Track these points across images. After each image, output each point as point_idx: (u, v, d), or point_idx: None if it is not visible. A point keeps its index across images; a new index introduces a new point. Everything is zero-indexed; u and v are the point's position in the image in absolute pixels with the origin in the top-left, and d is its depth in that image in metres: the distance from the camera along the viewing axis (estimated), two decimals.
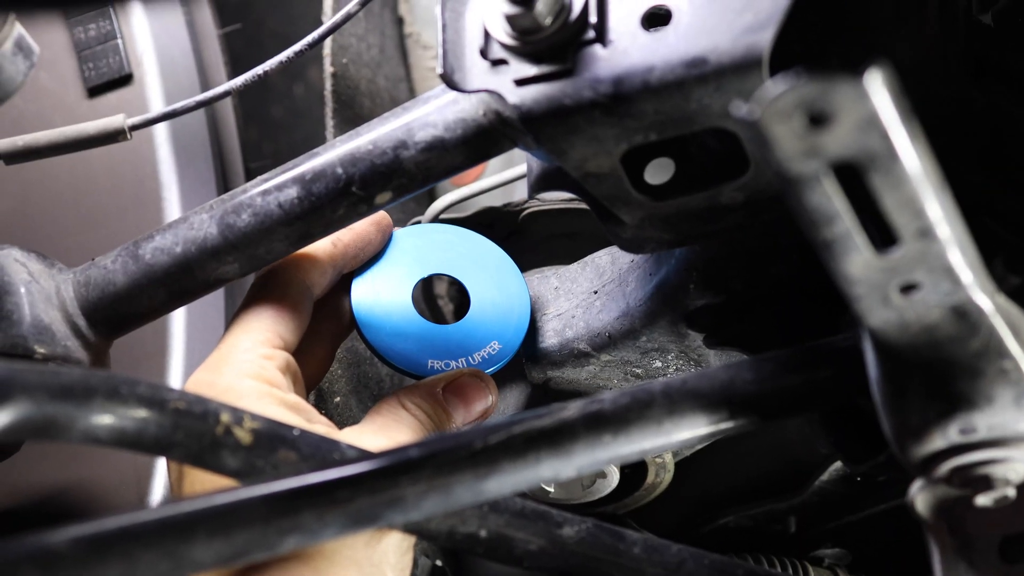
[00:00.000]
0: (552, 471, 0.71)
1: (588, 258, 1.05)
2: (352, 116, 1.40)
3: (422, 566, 1.30)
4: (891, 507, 1.22)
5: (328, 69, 1.38)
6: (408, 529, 0.77)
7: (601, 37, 0.75)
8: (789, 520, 1.25)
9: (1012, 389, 0.67)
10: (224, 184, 1.36)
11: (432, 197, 1.47)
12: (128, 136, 0.97)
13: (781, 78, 0.52)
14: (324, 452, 0.75)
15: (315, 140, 1.39)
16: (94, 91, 1.33)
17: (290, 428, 0.74)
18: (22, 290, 0.89)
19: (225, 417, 0.72)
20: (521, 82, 0.76)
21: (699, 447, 1.11)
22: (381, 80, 1.49)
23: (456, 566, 1.35)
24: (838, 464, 1.18)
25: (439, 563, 1.30)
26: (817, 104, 0.52)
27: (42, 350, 0.88)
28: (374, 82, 1.47)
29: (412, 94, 1.57)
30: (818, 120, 0.53)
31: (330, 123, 1.37)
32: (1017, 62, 0.83)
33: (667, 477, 1.13)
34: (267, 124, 1.44)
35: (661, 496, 1.16)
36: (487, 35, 0.77)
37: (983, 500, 0.69)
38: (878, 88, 0.51)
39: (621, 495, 1.14)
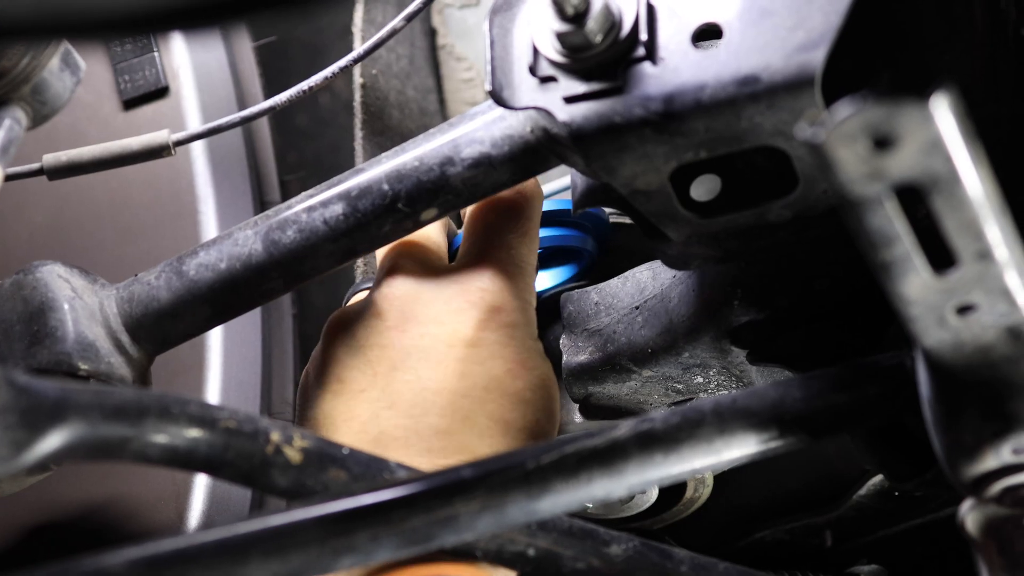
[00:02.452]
0: (604, 490, 0.70)
1: (628, 273, 1.04)
2: (381, 127, 1.40)
3: None
4: (926, 522, 1.22)
5: (358, 80, 1.38)
6: (458, 548, 0.77)
7: (651, 54, 0.74)
8: (825, 535, 1.25)
9: None
10: (260, 198, 1.36)
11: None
12: (172, 152, 0.97)
13: (847, 100, 0.51)
14: (374, 471, 0.75)
15: (340, 149, 1.39)
16: (130, 104, 1.33)
17: (339, 447, 0.74)
18: (66, 307, 0.89)
19: (275, 436, 0.72)
20: (571, 99, 0.75)
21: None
22: (410, 91, 1.48)
23: None
24: (876, 479, 1.17)
25: None
26: (883, 127, 0.52)
27: (86, 367, 0.88)
28: (403, 93, 1.46)
29: (442, 105, 1.56)
30: (883, 143, 0.52)
31: (359, 134, 1.36)
32: None
33: (705, 492, 1.13)
34: (292, 133, 1.44)
35: (699, 510, 1.15)
36: (536, 52, 0.77)
37: None
38: (944, 111, 0.51)
39: (659, 510, 1.14)
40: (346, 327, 0.94)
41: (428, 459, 0.86)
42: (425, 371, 0.90)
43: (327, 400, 0.93)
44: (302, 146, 1.44)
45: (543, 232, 1.04)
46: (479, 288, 0.93)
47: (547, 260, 1.10)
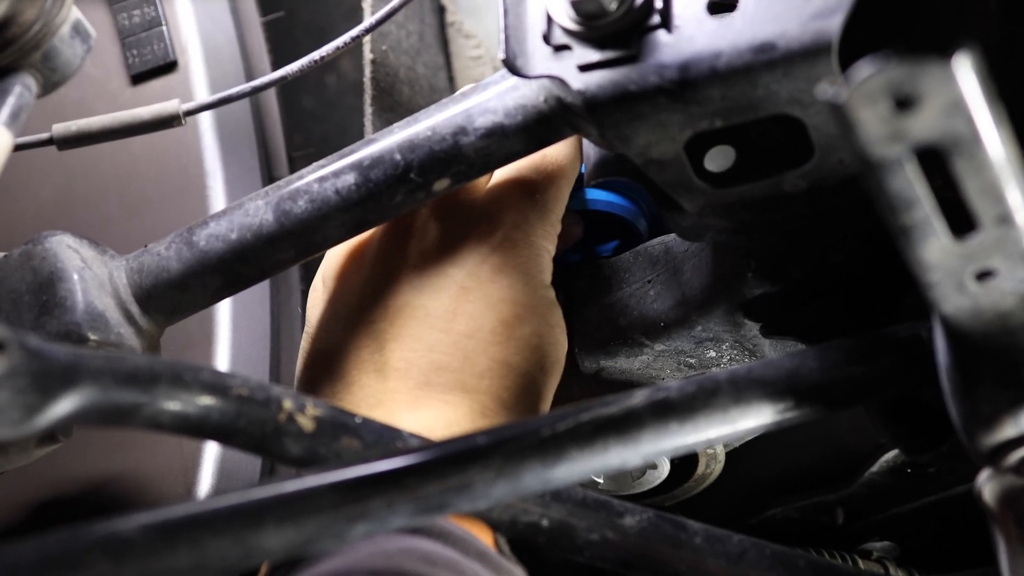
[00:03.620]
0: (619, 459, 0.70)
1: (640, 247, 1.04)
2: (391, 103, 1.40)
3: None
4: (939, 499, 1.22)
5: (368, 56, 1.38)
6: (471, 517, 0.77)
7: (666, 22, 0.74)
8: (837, 512, 1.25)
9: None
10: (268, 173, 1.36)
11: None
12: (183, 122, 0.97)
13: (868, 61, 0.51)
14: (387, 439, 0.75)
15: (347, 130, 1.38)
16: (138, 78, 1.32)
17: (352, 416, 0.74)
18: (75, 276, 0.89)
19: (288, 404, 0.71)
20: (585, 68, 0.75)
21: (751, 437, 1.10)
22: (420, 68, 1.48)
23: None
24: (888, 455, 1.17)
25: None
26: (905, 87, 0.51)
27: (95, 337, 0.88)
28: (413, 70, 1.46)
29: (451, 83, 1.56)
30: (904, 103, 0.52)
31: (368, 110, 1.36)
32: None
33: (717, 468, 1.13)
34: (299, 114, 1.43)
35: (710, 487, 1.15)
36: (550, 20, 0.77)
37: None
38: (966, 71, 0.51)
39: (671, 486, 1.14)
40: (367, 254, 0.98)
41: (425, 392, 0.90)
42: (435, 308, 0.92)
43: (336, 330, 0.96)
44: (309, 127, 1.43)
45: (602, 196, 1.04)
46: (498, 228, 0.94)
47: (594, 228, 1.09)
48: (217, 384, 0.69)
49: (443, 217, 0.96)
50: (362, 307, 0.96)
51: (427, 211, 0.96)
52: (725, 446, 1.11)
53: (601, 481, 1.13)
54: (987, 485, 0.70)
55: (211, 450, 1.18)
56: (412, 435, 0.76)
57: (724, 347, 0.98)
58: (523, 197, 0.94)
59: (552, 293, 0.95)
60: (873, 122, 0.53)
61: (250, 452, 0.72)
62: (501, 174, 0.96)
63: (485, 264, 0.93)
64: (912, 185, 0.55)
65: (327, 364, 0.96)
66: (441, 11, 1.57)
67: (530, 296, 0.93)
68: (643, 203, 1.06)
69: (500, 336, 0.91)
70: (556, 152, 0.95)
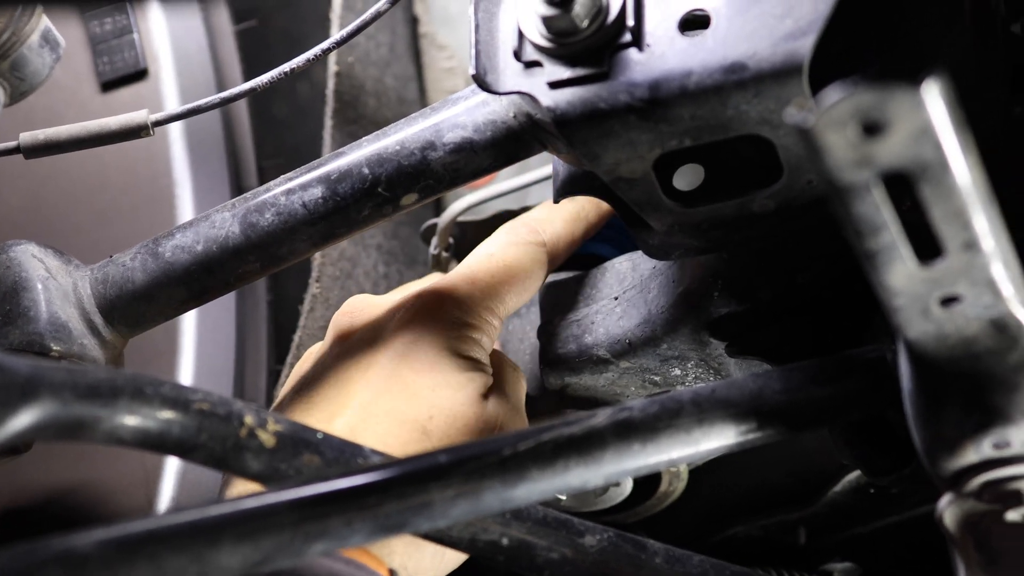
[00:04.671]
0: (580, 479, 0.70)
1: (608, 263, 1.04)
2: (355, 116, 1.39)
3: None
4: (901, 520, 1.22)
5: (332, 68, 1.37)
6: (430, 536, 0.76)
7: (638, 41, 0.74)
8: (799, 531, 1.24)
9: None
10: (237, 183, 1.35)
11: (439, 200, 1.47)
12: (151, 132, 0.96)
13: (837, 86, 0.51)
14: (348, 456, 0.74)
15: (318, 139, 1.38)
16: (108, 86, 1.32)
17: (314, 431, 0.74)
18: (39, 286, 0.88)
19: (249, 419, 0.71)
20: (555, 84, 0.75)
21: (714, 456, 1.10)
22: (389, 79, 1.48)
23: None
24: (851, 476, 1.17)
25: None
26: (873, 113, 0.51)
27: (58, 348, 0.87)
28: (381, 81, 1.46)
29: (422, 94, 1.56)
30: (872, 129, 0.52)
31: (328, 123, 1.36)
32: None
33: (680, 486, 1.12)
34: (270, 122, 1.43)
35: (673, 505, 1.15)
36: (521, 36, 0.76)
37: (1013, 515, 0.68)
38: (935, 98, 0.51)
39: (633, 503, 1.14)
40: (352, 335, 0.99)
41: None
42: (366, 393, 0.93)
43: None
44: (280, 135, 1.43)
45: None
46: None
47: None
48: (178, 398, 0.69)
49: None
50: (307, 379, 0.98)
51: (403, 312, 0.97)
52: (688, 464, 1.11)
53: (563, 498, 1.12)
54: (948, 510, 0.70)
55: (173, 462, 1.17)
56: (373, 452, 0.76)
57: (689, 365, 0.98)
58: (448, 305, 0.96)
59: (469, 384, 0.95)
60: (841, 147, 0.53)
61: (211, 467, 0.72)
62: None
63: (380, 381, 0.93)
64: (879, 210, 0.55)
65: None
66: (414, 22, 1.56)
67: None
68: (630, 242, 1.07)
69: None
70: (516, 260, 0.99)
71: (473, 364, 0.94)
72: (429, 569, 0.91)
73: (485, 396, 0.94)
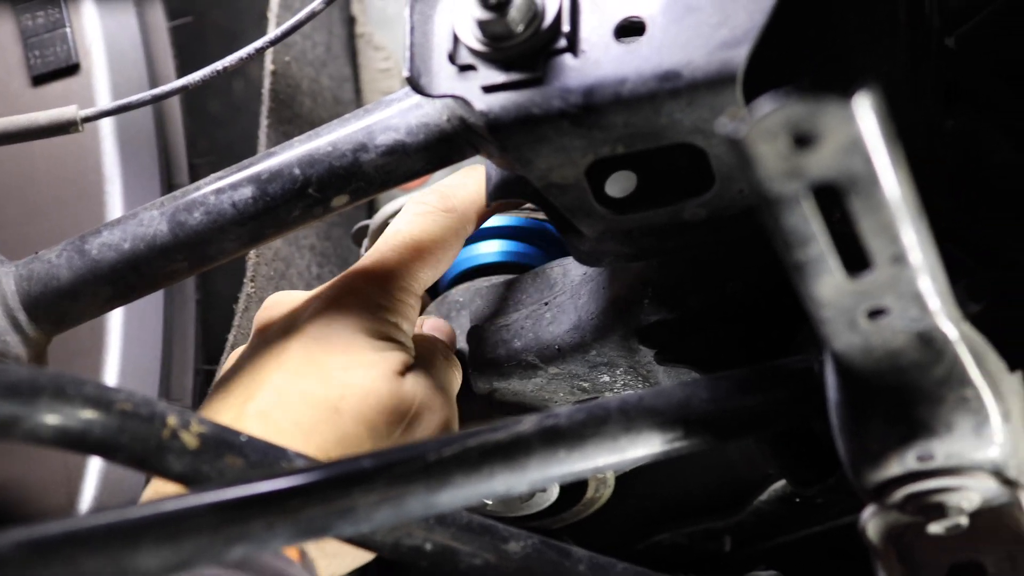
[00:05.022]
0: (505, 485, 0.69)
1: (539, 269, 1.04)
2: (291, 115, 1.39)
3: None
4: (826, 529, 1.22)
5: (268, 67, 1.36)
6: (353, 540, 0.75)
7: (573, 47, 0.74)
8: (724, 539, 1.25)
9: (972, 418, 0.67)
10: (168, 180, 1.34)
11: (374, 201, 1.46)
12: (80, 128, 0.95)
13: (769, 97, 0.51)
14: (272, 459, 0.73)
15: (253, 136, 1.37)
16: (39, 80, 1.31)
17: (237, 434, 0.73)
18: None
19: (172, 420, 0.70)
20: (489, 89, 0.75)
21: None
22: (325, 79, 1.47)
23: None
24: (777, 485, 1.18)
25: None
26: (804, 125, 0.51)
27: None
28: (317, 81, 1.45)
29: (358, 95, 1.55)
30: (803, 141, 0.52)
31: (264, 122, 1.35)
32: (983, 88, 0.83)
33: (607, 492, 1.12)
34: (205, 119, 1.42)
35: (599, 511, 1.15)
36: (456, 40, 0.76)
37: (935, 528, 0.69)
38: (866, 111, 0.51)
39: (559, 509, 1.13)
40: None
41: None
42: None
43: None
44: (214, 132, 1.42)
45: (505, 246, 1.07)
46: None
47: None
48: (101, 398, 0.68)
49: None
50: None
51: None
52: (615, 471, 1.11)
53: (489, 503, 1.12)
54: (871, 521, 0.70)
55: (95, 462, 1.16)
56: (297, 455, 0.75)
57: (618, 372, 0.98)
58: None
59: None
60: (771, 158, 0.52)
61: (133, 468, 0.71)
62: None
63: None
64: (807, 222, 0.55)
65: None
66: (351, 22, 1.56)
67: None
68: (552, 246, 1.07)
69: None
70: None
71: (388, 343, 0.94)
72: (348, 553, 0.90)
73: (402, 374, 0.93)
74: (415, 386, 0.92)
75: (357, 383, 0.90)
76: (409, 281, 0.96)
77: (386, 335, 0.94)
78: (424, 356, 0.97)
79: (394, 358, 0.92)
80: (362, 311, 0.93)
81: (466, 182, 1.01)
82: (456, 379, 1.00)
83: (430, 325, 1.02)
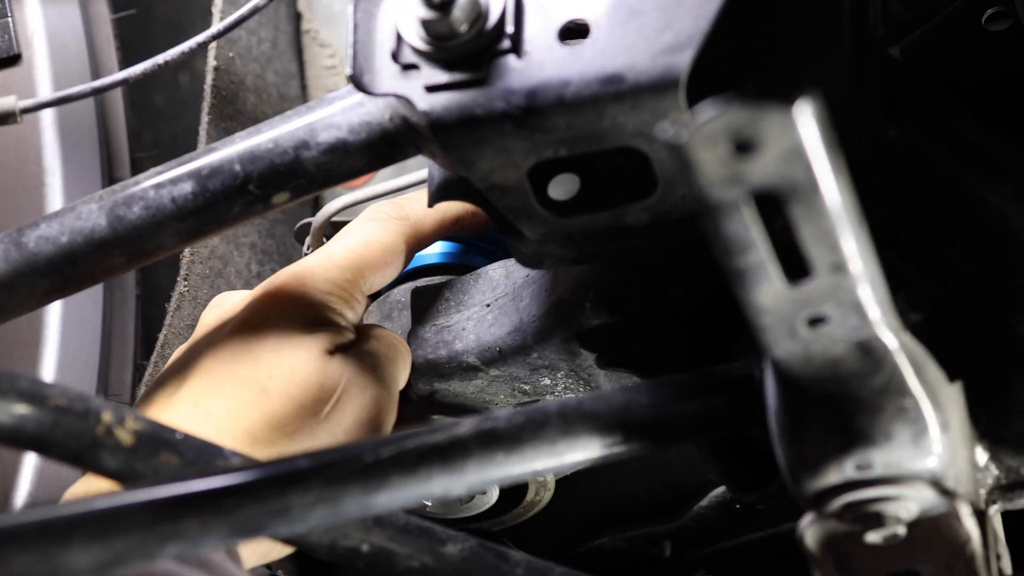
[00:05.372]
0: (443, 487, 0.69)
1: (481, 270, 1.04)
2: (233, 112, 1.38)
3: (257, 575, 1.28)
4: (766, 536, 1.22)
5: (211, 63, 1.35)
6: (290, 541, 0.75)
7: (517, 48, 0.73)
8: (664, 544, 1.25)
9: (911, 427, 0.67)
10: (110, 173, 1.33)
11: (317, 199, 1.46)
12: (19, 119, 0.94)
13: (710, 102, 0.51)
14: (208, 457, 0.73)
15: (198, 131, 1.36)
16: None
17: (173, 432, 0.72)
18: None
19: (107, 417, 0.69)
20: (432, 88, 0.74)
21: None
22: (271, 76, 1.46)
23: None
24: (717, 490, 1.17)
25: (279, 573, 1.28)
26: (745, 131, 0.51)
27: None
28: (262, 77, 1.44)
29: (304, 91, 1.55)
30: (744, 147, 0.52)
31: (205, 118, 1.34)
32: (926, 98, 0.83)
33: (547, 495, 1.12)
34: (149, 113, 1.41)
35: (539, 514, 1.14)
36: (399, 38, 0.75)
37: (873, 537, 0.69)
38: (807, 119, 0.51)
39: (499, 512, 1.13)
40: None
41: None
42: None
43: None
44: (159, 126, 1.41)
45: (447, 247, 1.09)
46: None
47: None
48: (35, 393, 0.67)
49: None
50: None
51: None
52: (555, 474, 1.11)
53: (429, 504, 1.12)
54: (809, 529, 0.70)
55: (31, 459, 1.15)
56: (234, 454, 0.75)
57: (559, 375, 0.98)
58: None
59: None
60: (712, 164, 0.52)
61: (67, 464, 0.70)
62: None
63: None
64: (748, 229, 0.55)
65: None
66: (297, 18, 1.55)
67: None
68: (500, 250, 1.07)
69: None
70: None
71: (321, 326, 0.94)
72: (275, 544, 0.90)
73: (331, 353, 0.93)
74: (343, 364, 0.93)
75: (285, 364, 0.91)
76: (355, 277, 0.97)
77: (320, 318, 0.94)
78: (364, 340, 0.97)
79: (324, 338, 0.93)
80: (299, 299, 0.94)
81: (422, 196, 1.01)
82: (402, 368, 1.00)
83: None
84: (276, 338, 0.92)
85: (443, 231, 1.04)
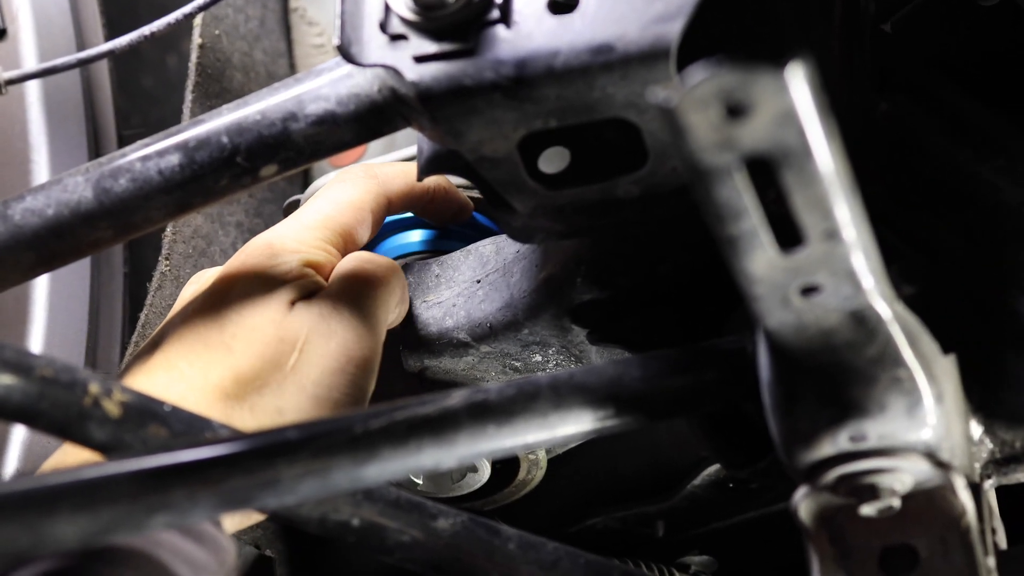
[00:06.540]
0: (433, 460, 0.69)
1: (472, 246, 1.03)
2: (220, 90, 1.37)
3: (246, 554, 1.28)
4: (760, 516, 1.22)
5: (196, 40, 1.35)
6: (279, 514, 0.75)
7: (506, 18, 0.73)
8: (658, 524, 1.25)
9: (905, 398, 0.67)
10: (96, 150, 1.33)
11: (306, 177, 1.45)
12: (3, 91, 0.94)
13: (701, 65, 0.50)
14: (196, 429, 0.72)
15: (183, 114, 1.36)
16: None
17: (161, 403, 0.72)
18: None
19: (94, 388, 0.69)
20: (421, 59, 0.74)
21: (574, 445, 1.10)
22: (258, 54, 1.46)
23: (292, 555, 1.33)
24: (710, 469, 1.17)
25: (268, 552, 1.27)
26: (736, 94, 0.51)
27: None
28: (250, 55, 1.44)
29: (292, 70, 1.54)
30: (735, 111, 0.51)
31: (189, 96, 1.34)
32: (917, 74, 0.83)
33: (539, 474, 1.12)
34: (137, 94, 1.41)
35: (531, 494, 1.14)
36: (388, 8, 0.75)
37: (867, 510, 0.69)
38: (799, 82, 0.50)
39: (491, 491, 1.13)
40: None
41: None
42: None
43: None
44: (146, 107, 1.41)
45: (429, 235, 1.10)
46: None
47: None
48: (20, 363, 0.67)
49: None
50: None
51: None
52: (547, 452, 1.10)
53: (420, 482, 1.11)
54: (803, 503, 0.70)
55: (19, 432, 1.15)
56: (222, 426, 0.74)
57: (551, 352, 0.98)
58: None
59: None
60: (703, 128, 0.52)
61: (53, 436, 0.70)
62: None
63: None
64: (740, 195, 0.55)
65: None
66: None
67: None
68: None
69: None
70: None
71: (286, 282, 0.94)
72: None
73: (292, 305, 0.93)
74: (305, 315, 0.92)
75: (247, 322, 0.91)
76: (324, 234, 0.97)
77: (285, 275, 0.94)
78: (335, 285, 0.96)
79: (286, 293, 0.93)
80: (266, 261, 0.94)
81: (396, 165, 1.02)
82: (385, 297, 0.98)
83: (358, 258, 1.00)
84: (240, 300, 0.93)
85: (413, 199, 1.03)
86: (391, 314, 0.99)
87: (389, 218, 1.07)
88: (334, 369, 0.91)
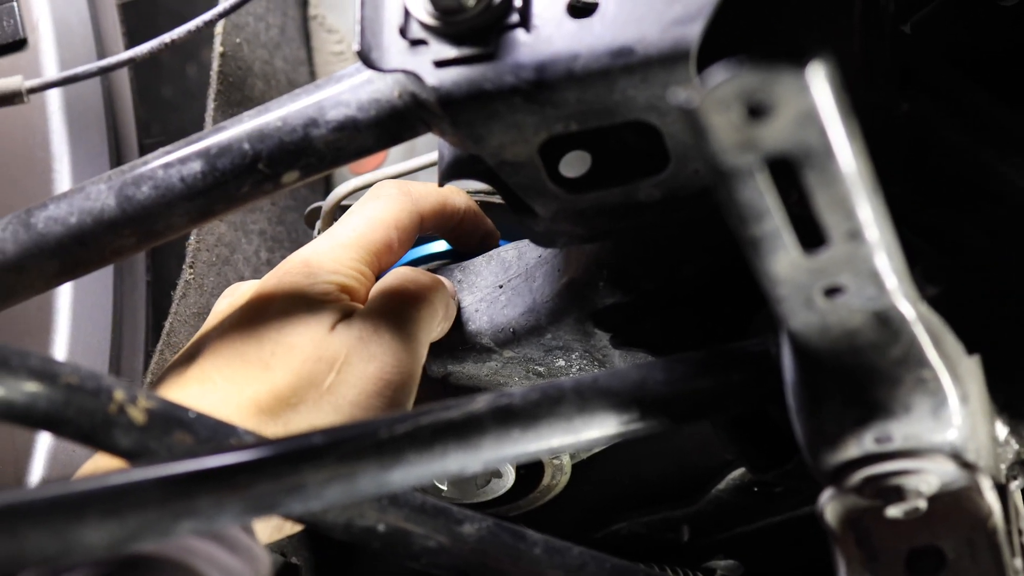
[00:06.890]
0: (458, 464, 0.69)
1: (493, 251, 1.03)
2: (241, 98, 1.38)
3: (272, 562, 1.28)
4: (785, 520, 1.22)
5: (218, 48, 1.35)
6: (305, 520, 0.75)
7: (525, 22, 0.73)
8: (682, 529, 1.24)
9: (930, 399, 0.66)
10: (117, 159, 1.33)
11: (328, 184, 1.45)
12: (25, 99, 0.94)
13: (722, 66, 0.50)
14: (221, 435, 0.73)
15: (206, 122, 1.36)
16: None
17: (186, 410, 0.72)
18: None
19: (119, 395, 0.69)
20: (441, 64, 0.74)
21: (598, 449, 1.10)
22: (279, 62, 1.46)
23: (318, 562, 1.33)
24: (735, 473, 1.17)
25: (294, 560, 1.28)
26: (757, 95, 0.51)
27: None
28: (271, 63, 1.44)
29: (313, 77, 1.54)
30: (757, 112, 0.51)
31: (211, 104, 1.34)
32: (938, 73, 0.83)
33: (563, 479, 1.12)
34: (157, 104, 1.41)
35: (555, 499, 1.14)
36: (407, 13, 0.75)
37: (894, 512, 0.68)
38: (820, 82, 0.50)
39: (515, 496, 1.13)
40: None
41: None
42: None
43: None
44: (167, 117, 1.41)
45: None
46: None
47: None
48: (46, 371, 0.67)
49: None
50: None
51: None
52: (572, 457, 1.10)
53: (445, 488, 1.11)
54: (829, 505, 0.70)
55: (44, 439, 1.15)
56: (248, 432, 0.74)
57: (574, 356, 0.97)
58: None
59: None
60: (725, 129, 0.52)
61: (79, 443, 0.70)
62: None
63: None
64: (762, 196, 0.55)
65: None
66: (304, 4, 1.55)
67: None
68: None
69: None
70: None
71: (325, 304, 0.94)
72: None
73: (333, 327, 0.93)
74: (344, 337, 0.92)
75: (286, 341, 0.91)
76: (360, 255, 0.97)
77: (323, 298, 0.94)
78: (373, 307, 0.96)
79: (326, 316, 0.93)
80: (304, 281, 0.95)
81: (426, 183, 1.03)
82: (427, 318, 0.98)
83: (402, 276, 1.00)
84: (280, 319, 0.92)
85: (445, 217, 1.03)
86: (433, 332, 0.99)
87: None
88: (371, 392, 0.91)
